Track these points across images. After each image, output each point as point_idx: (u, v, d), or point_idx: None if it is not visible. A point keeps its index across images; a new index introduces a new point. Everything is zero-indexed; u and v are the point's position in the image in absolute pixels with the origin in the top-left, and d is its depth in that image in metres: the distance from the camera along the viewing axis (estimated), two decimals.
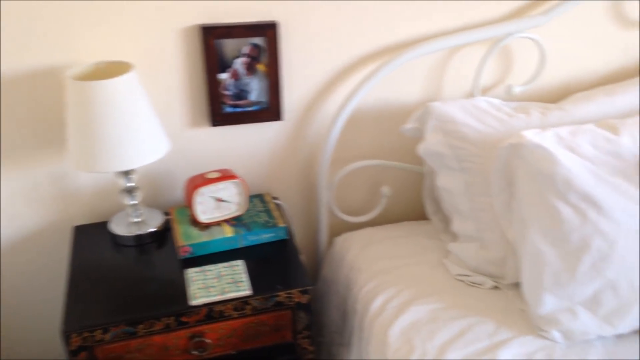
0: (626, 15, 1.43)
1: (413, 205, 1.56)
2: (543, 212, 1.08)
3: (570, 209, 1.05)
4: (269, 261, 1.23)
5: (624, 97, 1.33)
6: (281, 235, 1.28)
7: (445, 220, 1.44)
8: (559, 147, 1.08)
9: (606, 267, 1.05)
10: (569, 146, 1.09)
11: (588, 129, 1.14)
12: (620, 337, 1.11)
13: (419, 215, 1.54)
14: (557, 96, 1.47)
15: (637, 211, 1.06)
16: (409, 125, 1.35)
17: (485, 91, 1.45)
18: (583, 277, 1.07)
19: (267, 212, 1.32)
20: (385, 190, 1.50)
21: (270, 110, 1.32)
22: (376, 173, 1.51)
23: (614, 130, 1.13)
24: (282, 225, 1.27)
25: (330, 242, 1.52)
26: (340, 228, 1.52)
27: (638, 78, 1.40)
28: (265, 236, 1.26)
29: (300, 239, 1.53)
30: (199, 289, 1.11)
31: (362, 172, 1.49)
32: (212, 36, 1.20)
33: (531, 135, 1.10)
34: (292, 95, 1.36)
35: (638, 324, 1.10)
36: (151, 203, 1.38)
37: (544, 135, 1.11)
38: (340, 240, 1.49)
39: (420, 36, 1.36)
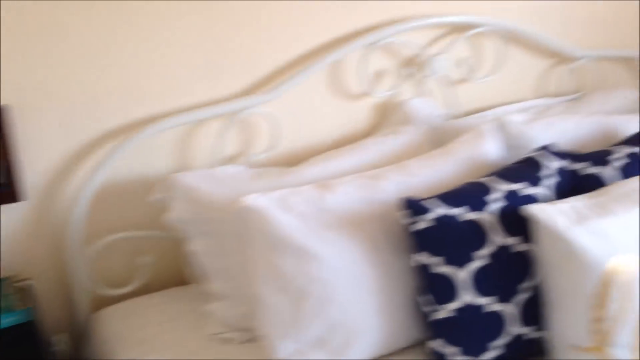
0: (345, 89, 1.69)
1: (176, 271, 1.62)
2: (269, 266, 1.21)
3: (289, 262, 1.20)
4: (10, 347, 1.19)
5: (346, 159, 1.55)
6: (24, 318, 1.25)
7: (205, 282, 1.52)
8: (275, 208, 1.23)
9: (329, 309, 1.20)
10: (286, 206, 1.25)
11: (305, 189, 1.31)
12: None
13: (183, 280, 1.60)
14: (299, 160, 1.65)
15: (351, 258, 1.24)
16: (156, 196, 1.43)
17: (231, 159, 1.58)
18: (309, 320, 1.21)
19: (8, 296, 1.28)
20: (146, 259, 1.54)
21: (7, 192, 1.31)
22: (136, 243, 1.55)
23: (328, 188, 1.32)
24: (23, 308, 1.24)
25: (93, 317, 1.50)
26: (104, 302, 1.52)
27: (359, 143, 1.64)
28: (6, 321, 1.22)
29: (59, 317, 1.50)
30: None
31: (122, 244, 1.52)
32: None
33: (251, 199, 1.24)
34: (35, 174, 1.36)
35: (363, 356, 1.27)
36: None
37: (264, 198, 1.25)
38: (102, 314, 1.49)
39: (162, 112, 1.47)
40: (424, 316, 1.25)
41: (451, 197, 1.24)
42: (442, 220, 1.18)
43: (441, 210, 1.19)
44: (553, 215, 1.15)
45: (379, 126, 1.76)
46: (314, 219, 1.25)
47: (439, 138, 1.68)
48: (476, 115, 1.78)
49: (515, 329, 1.21)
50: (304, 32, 1.59)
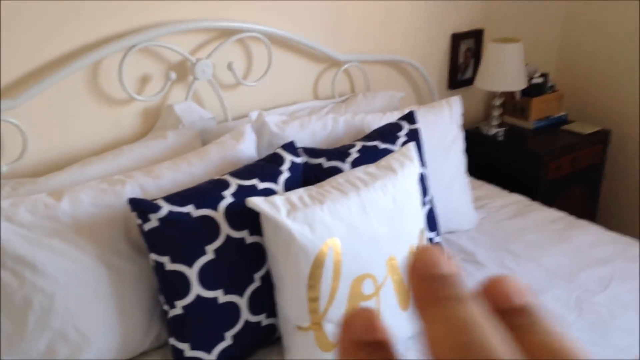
0: (107, 94, 1.65)
1: None
2: None
3: (8, 273, 1.15)
4: None
5: (103, 165, 1.52)
6: None
7: None
8: None
9: (51, 320, 1.17)
10: (6, 216, 1.20)
11: (35, 198, 1.27)
12: None
13: None
14: (54, 169, 1.58)
15: (80, 266, 1.22)
16: None
17: None
18: (33, 333, 1.17)
19: None
20: None
21: None
22: None
23: (58, 196, 1.28)
24: None
25: None
26: None
27: (121, 148, 1.61)
28: None
29: None
30: None
31: None
32: None
33: None
34: None
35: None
36: None
37: None
38: None
39: None
40: (165, 315, 1.26)
41: (181, 195, 1.26)
42: (168, 219, 1.20)
43: (168, 208, 1.21)
44: (273, 206, 1.22)
45: (148, 131, 1.75)
46: (41, 228, 1.22)
47: (208, 141, 1.70)
48: (245, 118, 1.83)
49: (248, 317, 1.26)
50: (57, 34, 1.53)
